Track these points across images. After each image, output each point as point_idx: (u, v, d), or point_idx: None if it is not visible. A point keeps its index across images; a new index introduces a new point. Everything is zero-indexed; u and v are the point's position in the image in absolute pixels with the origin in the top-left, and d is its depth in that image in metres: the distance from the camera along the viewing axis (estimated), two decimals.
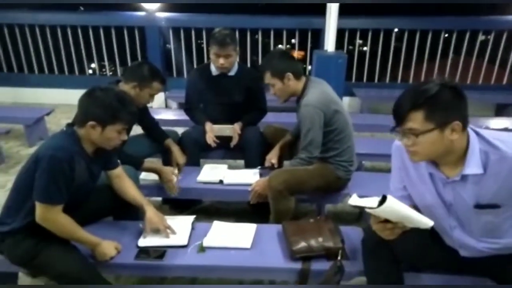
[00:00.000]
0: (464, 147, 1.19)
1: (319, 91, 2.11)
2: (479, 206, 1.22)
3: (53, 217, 1.51)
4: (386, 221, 1.19)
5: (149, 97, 2.19)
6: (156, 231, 1.73)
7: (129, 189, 1.81)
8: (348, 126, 2.16)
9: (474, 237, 1.31)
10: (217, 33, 2.41)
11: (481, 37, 5.04)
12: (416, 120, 1.14)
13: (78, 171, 1.56)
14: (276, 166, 2.31)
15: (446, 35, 5.08)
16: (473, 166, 1.18)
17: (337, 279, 1.53)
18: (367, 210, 1.12)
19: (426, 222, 1.14)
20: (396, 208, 1.09)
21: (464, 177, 1.21)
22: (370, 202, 1.12)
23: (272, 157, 2.33)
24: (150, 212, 1.74)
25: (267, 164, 2.31)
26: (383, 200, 1.08)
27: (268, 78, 2.14)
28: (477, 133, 1.21)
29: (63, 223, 1.53)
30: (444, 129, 1.13)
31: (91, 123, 1.52)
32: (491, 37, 5.02)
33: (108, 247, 1.60)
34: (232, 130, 2.52)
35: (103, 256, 1.59)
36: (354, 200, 1.16)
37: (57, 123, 4.45)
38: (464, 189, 1.23)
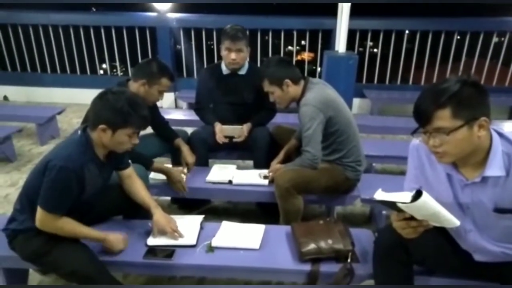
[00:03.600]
0: (487, 148, 1.16)
1: (318, 91, 2.10)
2: (499, 210, 1.20)
3: (52, 223, 1.52)
4: (410, 219, 1.16)
5: (158, 94, 2.19)
6: (164, 234, 1.73)
7: (139, 191, 1.81)
8: (351, 125, 2.14)
9: (491, 242, 1.28)
10: (228, 28, 2.43)
11: (495, 39, 4.95)
12: (444, 118, 1.11)
13: (89, 179, 1.57)
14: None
15: (459, 37, 5.01)
16: (494, 168, 1.15)
17: (346, 282, 1.52)
18: (399, 204, 1.08)
19: (454, 221, 1.11)
20: (430, 203, 1.05)
21: (484, 179, 1.18)
22: (401, 197, 1.08)
23: (276, 162, 2.30)
24: (158, 215, 1.73)
25: (270, 170, 2.27)
26: (417, 195, 1.04)
27: (266, 86, 2.16)
28: (500, 135, 1.18)
29: (61, 227, 1.54)
30: (473, 125, 1.11)
31: (101, 126, 1.51)
32: (506, 39, 4.93)
33: (115, 240, 1.62)
34: (241, 131, 2.52)
35: (111, 250, 1.61)
36: (380, 194, 1.12)
37: (68, 122, 4.51)
38: (483, 192, 1.20)
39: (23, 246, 1.58)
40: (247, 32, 2.51)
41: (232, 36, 2.39)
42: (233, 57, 2.44)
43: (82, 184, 1.55)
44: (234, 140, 2.50)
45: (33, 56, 5.47)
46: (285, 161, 2.33)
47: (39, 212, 1.50)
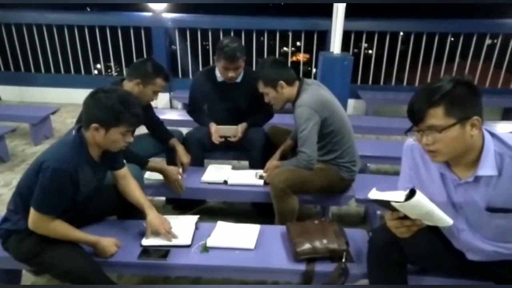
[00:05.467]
0: (479, 147, 1.18)
1: (313, 92, 2.11)
2: (491, 210, 1.21)
3: (44, 225, 1.51)
4: (404, 218, 1.17)
5: (152, 94, 2.18)
6: (158, 234, 1.72)
7: (134, 191, 1.81)
8: (346, 126, 2.15)
9: (483, 241, 1.29)
10: (225, 46, 2.30)
11: (488, 41, 5.00)
12: (437, 116, 1.12)
13: (83, 180, 1.56)
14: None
15: (452, 39, 5.05)
16: (487, 167, 1.16)
17: (341, 281, 1.52)
18: (393, 203, 1.09)
19: (447, 220, 1.12)
20: (424, 202, 1.06)
21: (477, 179, 1.19)
22: (395, 196, 1.09)
23: (271, 163, 2.30)
24: (152, 216, 1.73)
25: (264, 170, 2.27)
26: (411, 194, 1.05)
27: (261, 87, 2.16)
28: (492, 134, 1.19)
29: (54, 229, 1.53)
30: (465, 124, 1.12)
31: (94, 125, 1.51)
32: (498, 41, 4.98)
33: (107, 245, 1.61)
34: (236, 130, 2.51)
35: (103, 254, 1.60)
36: (375, 194, 1.13)
37: (62, 122, 4.48)
38: (476, 191, 1.21)
39: (16, 246, 1.57)
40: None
41: (229, 56, 2.31)
42: (231, 75, 2.40)
43: (76, 185, 1.54)
44: (229, 139, 2.50)
45: (27, 56, 5.43)
46: (280, 161, 2.33)
47: (32, 213, 1.49)
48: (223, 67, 2.39)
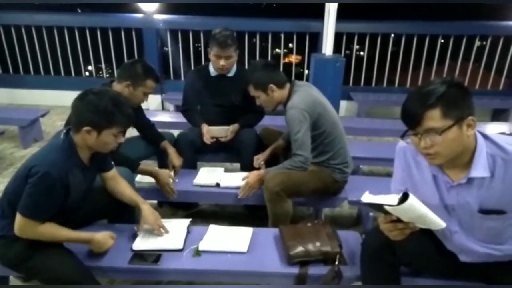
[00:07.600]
0: (472, 149, 1.18)
1: (304, 93, 2.11)
2: (483, 211, 1.21)
3: (31, 230, 1.47)
4: (397, 221, 1.17)
5: (143, 96, 2.15)
6: (150, 233, 1.71)
7: (125, 189, 1.79)
8: (337, 127, 2.16)
9: (476, 242, 1.29)
10: (218, 34, 2.38)
11: (477, 43, 5.07)
12: (435, 118, 1.12)
13: (73, 184, 1.53)
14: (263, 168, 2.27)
15: (442, 40, 5.10)
16: (479, 169, 1.16)
17: (334, 284, 1.52)
18: (386, 207, 1.08)
19: (440, 223, 1.12)
20: (417, 206, 1.06)
21: (470, 180, 1.19)
22: (388, 200, 1.08)
23: (260, 157, 2.32)
24: (146, 211, 1.73)
25: (255, 163, 2.30)
26: (404, 198, 1.05)
27: (252, 90, 2.17)
28: (485, 136, 1.20)
29: (43, 232, 1.49)
30: (462, 124, 1.12)
31: (86, 128, 1.48)
32: (488, 43, 5.05)
33: (103, 238, 1.58)
34: (227, 131, 2.50)
35: (100, 249, 1.58)
36: (368, 197, 1.12)
37: (52, 125, 4.41)
38: (469, 193, 1.21)
39: (4, 251, 1.54)
40: (235, 34, 2.49)
41: (221, 43, 2.35)
42: (223, 64, 2.41)
43: (66, 190, 1.51)
44: (221, 140, 2.48)
45: (16, 57, 5.34)
46: (270, 160, 2.35)
47: (19, 219, 1.45)
48: (215, 55, 2.41)
